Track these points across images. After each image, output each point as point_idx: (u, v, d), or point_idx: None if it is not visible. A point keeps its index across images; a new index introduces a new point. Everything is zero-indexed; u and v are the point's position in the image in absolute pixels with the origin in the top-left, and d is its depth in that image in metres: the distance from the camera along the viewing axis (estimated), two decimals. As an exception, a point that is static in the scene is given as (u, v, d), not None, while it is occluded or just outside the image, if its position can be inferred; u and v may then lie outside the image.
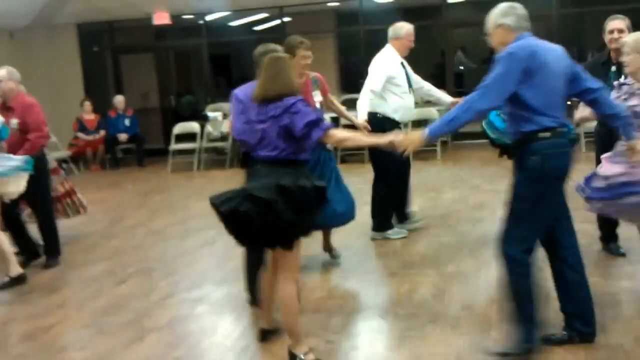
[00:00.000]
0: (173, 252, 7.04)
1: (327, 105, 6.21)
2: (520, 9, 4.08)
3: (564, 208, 4.06)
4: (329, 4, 15.60)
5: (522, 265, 3.90)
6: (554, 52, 3.97)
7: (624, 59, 4.75)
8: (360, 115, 6.39)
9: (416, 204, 7.65)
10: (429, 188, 9.17)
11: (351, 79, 16.21)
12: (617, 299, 4.79)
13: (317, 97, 5.92)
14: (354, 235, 6.81)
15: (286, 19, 15.49)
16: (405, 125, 6.44)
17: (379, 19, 15.06)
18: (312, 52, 5.74)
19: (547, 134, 3.81)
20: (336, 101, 6.60)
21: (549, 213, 3.95)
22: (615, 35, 5.55)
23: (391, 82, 6.59)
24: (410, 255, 6.27)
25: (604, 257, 5.70)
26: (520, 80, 3.78)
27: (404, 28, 6.76)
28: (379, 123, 6.38)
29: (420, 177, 9.36)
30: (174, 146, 13.59)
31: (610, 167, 4.60)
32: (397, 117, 6.65)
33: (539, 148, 3.81)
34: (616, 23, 5.63)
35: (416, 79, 6.96)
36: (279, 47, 4.87)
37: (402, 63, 6.74)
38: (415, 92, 6.95)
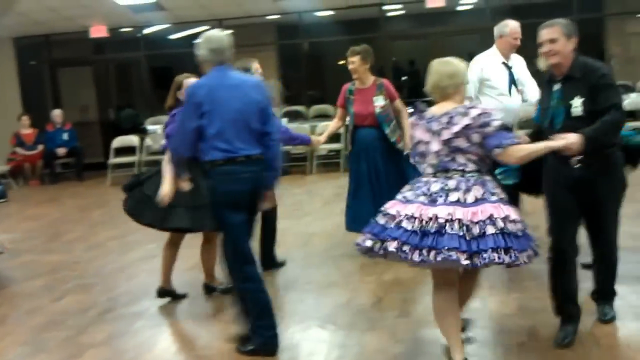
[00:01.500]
0: (112, 267, 6.99)
1: (393, 110, 6.53)
2: (216, 40, 4.41)
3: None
4: (269, 17, 15.68)
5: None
6: (235, 89, 4.35)
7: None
8: None
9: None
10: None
11: (292, 91, 16.39)
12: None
13: (379, 102, 6.35)
14: (295, 246, 6.86)
15: (227, 32, 15.50)
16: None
17: (319, 31, 15.26)
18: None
19: (220, 162, 4.25)
20: (403, 108, 6.60)
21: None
22: (546, 47, 4.26)
23: (486, 85, 6.32)
24: (350, 265, 6.35)
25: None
26: (198, 114, 4.25)
27: (508, 26, 6.42)
28: None
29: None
30: (113, 160, 13.50)
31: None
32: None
33: (212, 175, 4.30)
34: (544, 33, 4.29)
35: (525, 79, 6.45)
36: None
37: (504, 63, 6.38)
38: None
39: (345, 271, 6.21)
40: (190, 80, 5.28)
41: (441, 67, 3.98)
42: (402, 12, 16.23)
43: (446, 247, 3.53)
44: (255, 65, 6.44)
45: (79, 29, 15.00)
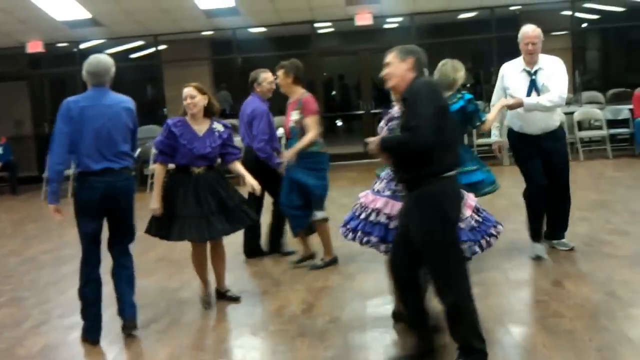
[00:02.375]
0: (46, 280, 7.01)
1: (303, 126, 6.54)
2: (94, 64, 5.05)
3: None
4: (203, 33, 15.81)
5: None
6: (106, 109, 4.97)
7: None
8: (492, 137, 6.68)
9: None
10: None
11: (227, 105, 16.56)
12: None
13: (294, 117, 6.48)
14: (227, 256, 6.99)
15: (161, 47, 15.58)
16: (539, 137, 6.19)
17: (252, 47, 15.45)
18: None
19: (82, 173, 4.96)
20: (312, 127, 6.51)
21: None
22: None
23: (507, 93, 6.31)
24: (281, 274, 6.54)
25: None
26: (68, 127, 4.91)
27: (521, 31, 6.27)
28: (509, 137, 6.53)
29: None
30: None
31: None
32: (515, 128, 6.37)
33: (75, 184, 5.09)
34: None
35: (552, 84, 6.16)
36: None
37: (525, 69, 6.24)
38: None
39: (276, 280, 6.39)
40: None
41: None
42: (332, 29, 16.60)
43: None
44: (264, 76, 6.92)
45: (16, 45, 14.92)
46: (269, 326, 5.18)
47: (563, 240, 6.55)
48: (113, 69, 5.10)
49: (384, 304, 5.12)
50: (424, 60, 4.07)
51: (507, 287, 5.65)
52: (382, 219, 4.65)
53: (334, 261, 6.65)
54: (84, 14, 14.02)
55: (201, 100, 5.41)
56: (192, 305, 5.70)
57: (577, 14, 15.43)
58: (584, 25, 17.09)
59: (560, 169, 6.35)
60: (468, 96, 5.89)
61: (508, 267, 5.98)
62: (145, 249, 6.98)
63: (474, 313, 3.90)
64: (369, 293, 5.67)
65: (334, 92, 18.08)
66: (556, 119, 6.34)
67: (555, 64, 6.24)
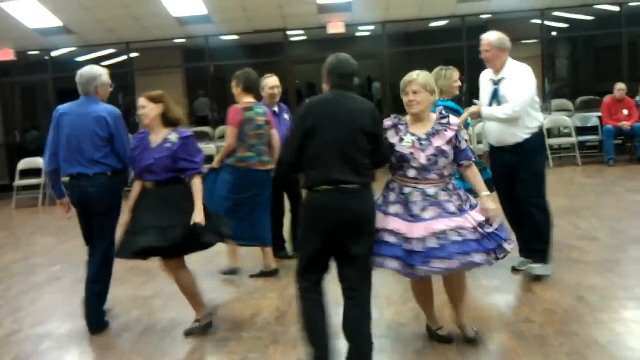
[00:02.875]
0: (18, 289, 6.96)
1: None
2: (80, 75, 5.59)
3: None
4: (176, 41, 15.79)
5: None
6: (79, 118, 5.37)
7: (413, 97, 4.37)
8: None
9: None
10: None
11: (195, 113, 16.56)
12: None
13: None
14: (200, 264, 7.00)
15: (133, 55, 15.54)
16: (502, 149, 5.97)
17: (225, 55, 15.45)
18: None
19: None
20: (227, 136, 6.67)
21: None
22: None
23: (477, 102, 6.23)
24: (254, 281, 6.56)
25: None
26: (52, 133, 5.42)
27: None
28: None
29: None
30: (19, 182, 13.30)
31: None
32: (488, 140, 6.24)
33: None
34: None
35: (511, 94, 5.87)
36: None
37: (491, 79, 6.08)
38: None
39: (250, 287, 6.40)
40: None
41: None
42: (305, 37, 16.66)
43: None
44: (264, 82, 6.98)
45: (-14, 53, 14.86)
46: (242, 334, 5.17)
47: (532, 265, 5.99)
48: (100, 79, 5.51)
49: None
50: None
51: (479, 293, 5.71)
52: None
53: (233, 271, 6.86)
54: (56, 22, 13.95)
55: (153, 110, 5.05)
56: (165, 313, 5.69)
57: (547, 23, 15.61)
58: (554, 33, 17.31)
59: (524, 184, 5.89)
60: (439, 103, 5.92)
61: (480, 274, 6.03)
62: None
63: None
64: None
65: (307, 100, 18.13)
66: (519, 133, 5.87)
67: (520, 73, 5.90)
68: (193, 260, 6.32)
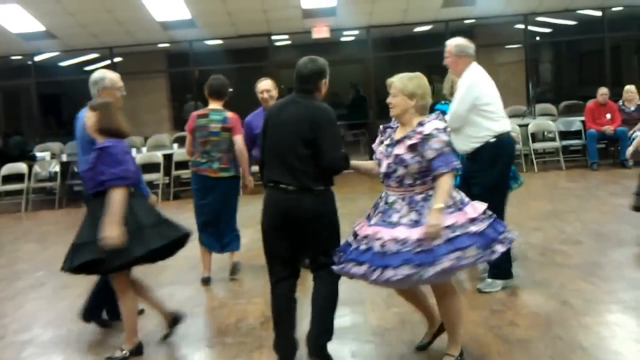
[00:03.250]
0: (2, 295, 6.91)
1: None
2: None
3: None
4: (160, 45, 15.76)
5: None
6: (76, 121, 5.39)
7: (390, 100, 4.30)
8: None
9: (245, 236, 7.79)
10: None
11: (183, 117, 16.48)
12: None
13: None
14: (184, 269, 6.99)
15: (117, 59, 15.49)
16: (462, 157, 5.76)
17: (210, 59, 15.44)
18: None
19: None
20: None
21: None
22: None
23: None
24: (239, 286, 6.54)
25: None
26: None
27: None
28: None
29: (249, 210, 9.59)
30: (2, 187, 13.23)
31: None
32: None
33: None
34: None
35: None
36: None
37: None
38: None
39: (235, 292, 6.38)
40: None
41: (425, 80, 4.32)
42: (289, 42, 16.68)
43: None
44: (257, 86, 6.95)
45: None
46: (227, 339, 5.16)
47: (487, 280, 5.87)
48: (101, 82, 5.44)
49: (342, 316, 5.13)
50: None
51: (463, 297, 5.71)
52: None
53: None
54: (38, 27, 13.89)
55: (90, 118, 4.86)
56: (149, 318, 5.65)
57: (530, 28, 15.72)
58: (537, 38, 17.42)
59: (473, 199, 5.15)
60: (438, 107, 5.91)
61: (464, 278, 6.04)
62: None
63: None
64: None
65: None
66: (463, 143, 5.69)
67: (462, 83, 5.75)
68: (177, 267, 6.35)
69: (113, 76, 5.55)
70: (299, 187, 4.22)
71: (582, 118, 13.24)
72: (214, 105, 6.72)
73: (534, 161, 13.02)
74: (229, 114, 6.67)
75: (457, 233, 3.95)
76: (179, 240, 4.99)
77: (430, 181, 4.12)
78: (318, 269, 4.40)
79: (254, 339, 5.07)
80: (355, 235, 4.25)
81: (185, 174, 12.97)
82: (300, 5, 13.68)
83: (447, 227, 3.95)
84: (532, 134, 13.54)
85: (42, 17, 13.51)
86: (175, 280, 6.72)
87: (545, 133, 14.24)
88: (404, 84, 4.22)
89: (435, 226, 3.91)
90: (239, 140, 6.62)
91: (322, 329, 4.37)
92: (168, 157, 13.07)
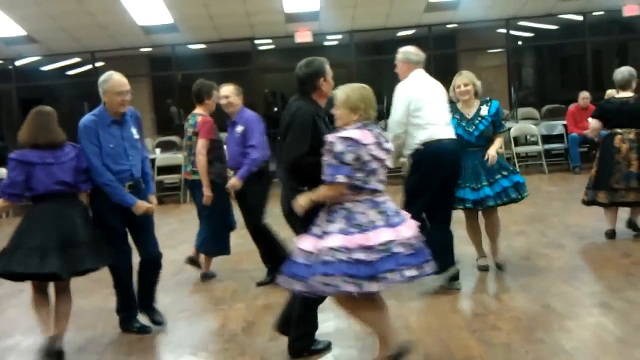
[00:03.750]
0: (-18, 302, 6.84)
1: None
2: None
3: None
4: (142, 50, 15.70)
5: None
6: None
7: (334, 111, 4.25)
8: None
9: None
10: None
11: (166, 121, 16.48)
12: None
13: None
14: (166, 275, 6.93)
15: (99, 64, 15.43)
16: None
17: (193, 64, 15.40)
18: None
19: None
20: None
21: None
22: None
23: None
24: (221, 292, 6.51)
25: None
26: None
27: None
28: None
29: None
30: (-18, 193, 13.09)
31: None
32: None
33: None
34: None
35: None
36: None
37: None
38: None
39: (217, 298, 6.35)
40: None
41: (370, 92, 4.23)
42: (273, 46, 16.66)
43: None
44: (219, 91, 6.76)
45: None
46: (210, 345, 5.15)
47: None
48: (103, 85, 5.24)
49: (326, 320, 5.14)
50: None
51: (446, 299, 5.72)
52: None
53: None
54: (19, 31, 13.78)
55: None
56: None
57: (512, 32, 15.79)
58: (519, 42, 17.50)
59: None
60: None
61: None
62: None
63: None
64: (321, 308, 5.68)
65: (275, 109, 18.18)
66: (405, 151, 5.87)
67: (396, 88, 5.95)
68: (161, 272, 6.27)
69: (116, 79, 5.28)
70: (285, 184, 4.51)
71: (564, 122, 13.30)
72: (197, 109, 6.80)
73: (517, 165, 13.05)
74: (199, 118, 6.67)
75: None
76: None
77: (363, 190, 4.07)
78: None
79: (237, 346, 5.04)
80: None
81: (168, 179, 12.95)
82: (283, 10, 13.66)
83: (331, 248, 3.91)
84: (515, 138, 13.59)
85: (23, 21, 13.41)
86: (160, 286, 6.65)
87: (528, 137, 14.30)
88: (347, 97, 4.15)
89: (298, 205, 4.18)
90: (199, 143, 6.57)
91: None
92: (151, 162, 12.99)
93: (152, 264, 5.47)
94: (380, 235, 3.91)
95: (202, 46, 15.87)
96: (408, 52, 5.98)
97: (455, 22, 15.32)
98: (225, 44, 15.27)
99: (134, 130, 5.41)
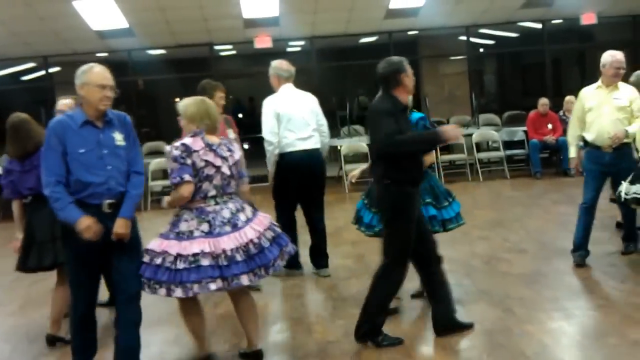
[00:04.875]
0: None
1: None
2: None
3: None
4: (98, 54, 15.43)
5: None
6: None
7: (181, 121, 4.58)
8: None
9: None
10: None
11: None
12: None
13: (231, 135, 6.29)
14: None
15: (54, 69, 15.15)
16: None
17: (151, 69, 15.19)
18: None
19: None
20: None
21: None
22: None
23: None
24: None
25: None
26: None
27: None
28: None
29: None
30: None
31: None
32: None
33: None
34: None
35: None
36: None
37: None
38: None
39: (174, 306, 6.15)
40: None
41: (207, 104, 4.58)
42: (233, 52, 16.50)
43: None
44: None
45: None
46: (166, 356, 5.03)
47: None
48: (81, 77, 4.33)
49: (285, 330, 5.11)
50: None
51: (405, 304, 5.66)
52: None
53: None
54: (-32, 36, 13.46)
55: None
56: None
57: (473, 39, 15.85)
58: (481, 50, 17.59)
59: None
60: (415, 115, 5.77)
61: (410, 287, 5.93)
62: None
63: None
64: (270, 319, 5.61)
65: (240, 115, 17.99)
66: None
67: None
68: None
69: (98, 70, 4.43)
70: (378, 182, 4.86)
71: (525, 128, 13.36)
72: None
73: (479, 170, 13.07)
74: None
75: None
76: None
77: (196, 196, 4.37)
78: None
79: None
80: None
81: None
82: (242, 15, 13.52)
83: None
84: (477, 144, 13.60)
85: (-28, 25, 13.09)
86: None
87: (490, 143, 14.35)
88: (185, 108, 4.55)
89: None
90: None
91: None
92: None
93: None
94: (193, 246, 4.20)
95: (162, 51, 15.66)
96: (278, 67, 6.60)
97: (416, 28, 15.32)
98: (184, 50, 15.07)
99: (117, 136, 4.38)
